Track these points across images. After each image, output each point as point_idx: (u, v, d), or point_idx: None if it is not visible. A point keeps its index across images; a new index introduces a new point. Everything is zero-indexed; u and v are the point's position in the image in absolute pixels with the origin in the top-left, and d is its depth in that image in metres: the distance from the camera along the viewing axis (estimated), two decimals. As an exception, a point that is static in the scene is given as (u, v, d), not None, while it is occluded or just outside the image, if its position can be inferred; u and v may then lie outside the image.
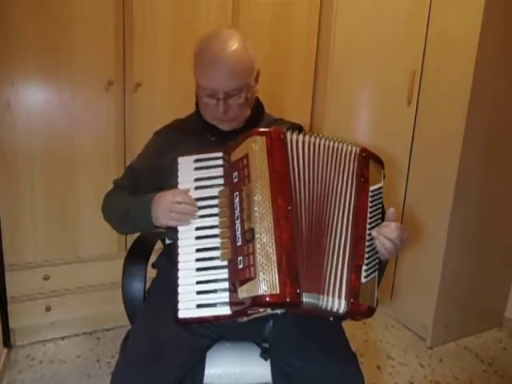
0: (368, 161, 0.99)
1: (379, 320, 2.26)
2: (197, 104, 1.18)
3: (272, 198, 0.89)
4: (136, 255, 1.18)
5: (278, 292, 0.83)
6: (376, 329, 2.17)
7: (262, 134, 0.95)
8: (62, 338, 1.93)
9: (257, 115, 1.19)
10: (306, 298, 0.85)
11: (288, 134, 0.96)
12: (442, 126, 1.92)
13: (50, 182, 1.79)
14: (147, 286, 1.17)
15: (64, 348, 1.87)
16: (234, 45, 1.04)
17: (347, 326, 1.07)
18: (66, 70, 1.72)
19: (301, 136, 0.97)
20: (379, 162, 1.03)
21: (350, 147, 0.99)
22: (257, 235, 0.87)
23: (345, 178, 0.96)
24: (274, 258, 0.85)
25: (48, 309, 1.86)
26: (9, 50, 1.62)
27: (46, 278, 1.84)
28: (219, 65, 1.02)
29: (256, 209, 0.89)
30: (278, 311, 0.88)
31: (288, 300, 0.83)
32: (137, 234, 1.30)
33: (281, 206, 0.89)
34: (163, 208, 0.99)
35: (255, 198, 0.89)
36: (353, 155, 0.99)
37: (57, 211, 1.82)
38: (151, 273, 1.20)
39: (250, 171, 0.92)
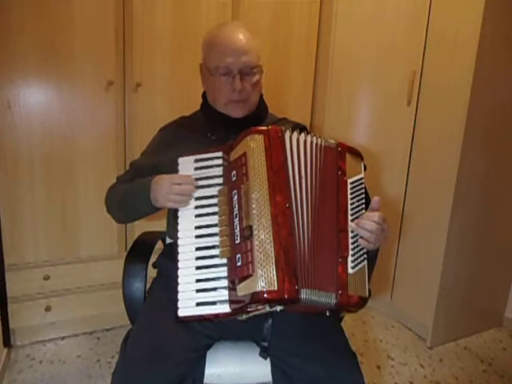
0: (344, 154, 1.00)
1: (379, 320, 2.26)
2: (201, 104, 1.20)
3: (270, 195, 0.89)
4: (136, 255, 1.18)
5: (276, 288, 0.83)
6: (376, 329, 2.17)
7: (259, 132, 0.95)
8: (62, 338, 1.93)
9: (261, 112, 1.20)
10: (304, 295, 0.86)
11: (287, 133, 0.96)
12: (442, 126, 1.92)
13: (50, 181, 1.79)
14: (147, 286, 1.17)
15: (64, 348, 1.87)
16: (244, 30, 1.12)
17: (347, 325, 1.07)
18: (65, 69, 1.73)
19: (302, 135, 0.98)
20: (357, 154, 1.04)
21: (327, 143, 1.00)
22: (255, 232, 0.87)
23: (327, 173, 0.97)
24: (272, 254, 0.85)
25: (48, 309, 1.86)
26: (9, 49, 1.62)
27: (46, 278, 1.84)
28: (234, 41, 1.09)
29: (254, 206, 0.89)
30: (277, 308, 0.88)
31: (286, 296, 0.84)
32: (137, 234, 1.30)
33: (279, 203, 0.89)
34: (162, 190, 1.00)
35: (253, 195, 0.90)
36: (330, 150, 0.99)
37: (57, 211, 1.82)
38: (152, 272, 1.20)
39: (248, 169, 0.92)
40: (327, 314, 0.92)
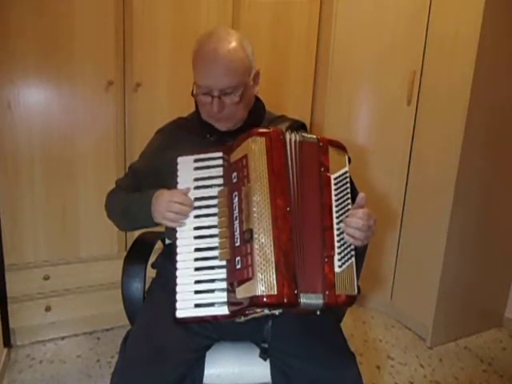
0: (326, 149, 0.98)
1: (379, 320, 2.26)
2: (196, 105, 1.18)
3: (271, 198, 0.90)
4: (136, 255, 1.18)
5: (276, 292, 0.84)
6: (376, 329, 2.17)
7: (261, 134, 0.95)
8: (62, 338, 1.93)
9: (257, 116, 1.17)
10: (303, 299, 0.86)
11: (287, 135, 0.96)
12: (442, 125, 1.92)
13: (50, 181, 1.79)
14: (147, 286, 1.17)
15: (64, 348, 1.87)
16: (229, 43, 1.03)
17: (346, 326, 1.07)
18: (66, 69, 1.72)
19: (298, 136, 0.97)
20: (340, 147, 1.02)
21: (307, 139, 0.99)
22: (255, 235, 0.87)
23: (308, 170, 0.96)
24: (272, 258, 0.86)
25: (48, 309, 1.87)
26: (9, 49, 1.62)
27: (46, 278, 1.84)
28: (213, 62, 1.02)
29: (255, 209, 0.89)
30: (276, 312, 0.88)
31: (285, 300, 0.84)
32: (137, 234, 1.30)
33: (279, 207, 0.89)
34: (160, 206, 0.99)
35: (254, 198, 0.90)
36: (311, 146, 0.98)
37: (57, 211, 1.82)
38: (151, 273, 1.20)
39: (250, 171, 0.92)
40: (317, 313, 0.91)
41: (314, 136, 1.00)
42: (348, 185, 0.99)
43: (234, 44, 1.03)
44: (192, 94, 1.09)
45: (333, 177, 0.96)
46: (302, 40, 2.21)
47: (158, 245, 1.29)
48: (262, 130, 0.95)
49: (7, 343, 1.79)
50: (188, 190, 1.00)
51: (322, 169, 0.96)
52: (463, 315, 2.12)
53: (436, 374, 1.85)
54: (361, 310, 2.31)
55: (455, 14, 1.82)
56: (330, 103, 2.27)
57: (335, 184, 0.96)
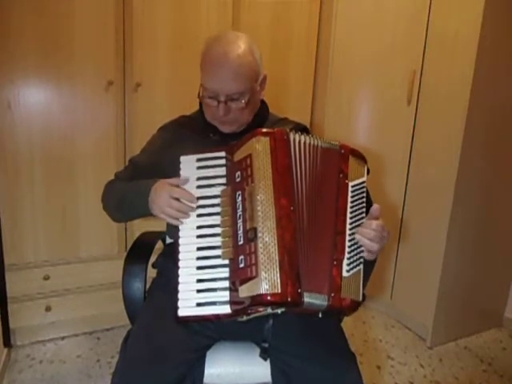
0: (347, 157, 0.99)
1: (379, 320, 2.26)
2: (200, 104, 1.18)
3: (275, 197, 0.90)
4: (136, 255, 1.18)
5: (280, 291, 0.83)
6: (376, 329, 2.17)
7: (265, 134, 0.95)
8: (62, 338, 1.93)
9: (261, 118, 1.17)
10: (307, 299, 0.86)
11: (291, 135, 0.96)
12: (442, 125, 1.92)
13: (50, 181, 1.79)
14: (147, 286, 1.17)
15: (64, 348, 1.87)
16: (238, 48, 1.03)
17: (347, 326, 1.07)
18: (66, 69, 1.73)
19: (302, 137, 0.97)
20: (360, 157, 1.03)
21: (329, 145, 0.99)
22: (259, 234, 0.87)
23: (328, 175, 0.97)
24: (276, 257, 0.85)
25: (48, 309, 1.86)
26: (9, 49, 1.62)
27: (46, 278, 1.84)
28: (222, 68, 1.02)
29: (259, 208, 0.89)
30: (278, 311, 0.88)
31: (289, 299, 0.84)
32: (137, 234, 1.30)
33: (283, 206, 0.89)
34: (159, 201, 0.99)
35: (258, 197, 0.90)
36: (333, 153, 0.99)
37: (57, 211, 1.82)
38: (151, 272, 1.20)
39: (254, 171, 0.92)
40: (319, 315, 0.91)
41: (337, 142, 1.00)
42: (364, 194, 0.99)
43: (243, 48, 1.03)
44: (198, 95, 1.09)
45: (350, 184, 0.97)
46: (302, 40, 2.21)
47: (159, 245, 1.29)
48: (266, 130, 0.96)
49: (7, 343, 1.79)
50: (187, 180, 0.99)
51: (341, 175, 0.97)
52: (463, 315, 2.12)
53: (436, 374, 1.85)
54: (361, 310, 2.31)
55: (455, 14, 1.82)
56: (330, 103, 2.27)
57: (352, 191, 0.97)
